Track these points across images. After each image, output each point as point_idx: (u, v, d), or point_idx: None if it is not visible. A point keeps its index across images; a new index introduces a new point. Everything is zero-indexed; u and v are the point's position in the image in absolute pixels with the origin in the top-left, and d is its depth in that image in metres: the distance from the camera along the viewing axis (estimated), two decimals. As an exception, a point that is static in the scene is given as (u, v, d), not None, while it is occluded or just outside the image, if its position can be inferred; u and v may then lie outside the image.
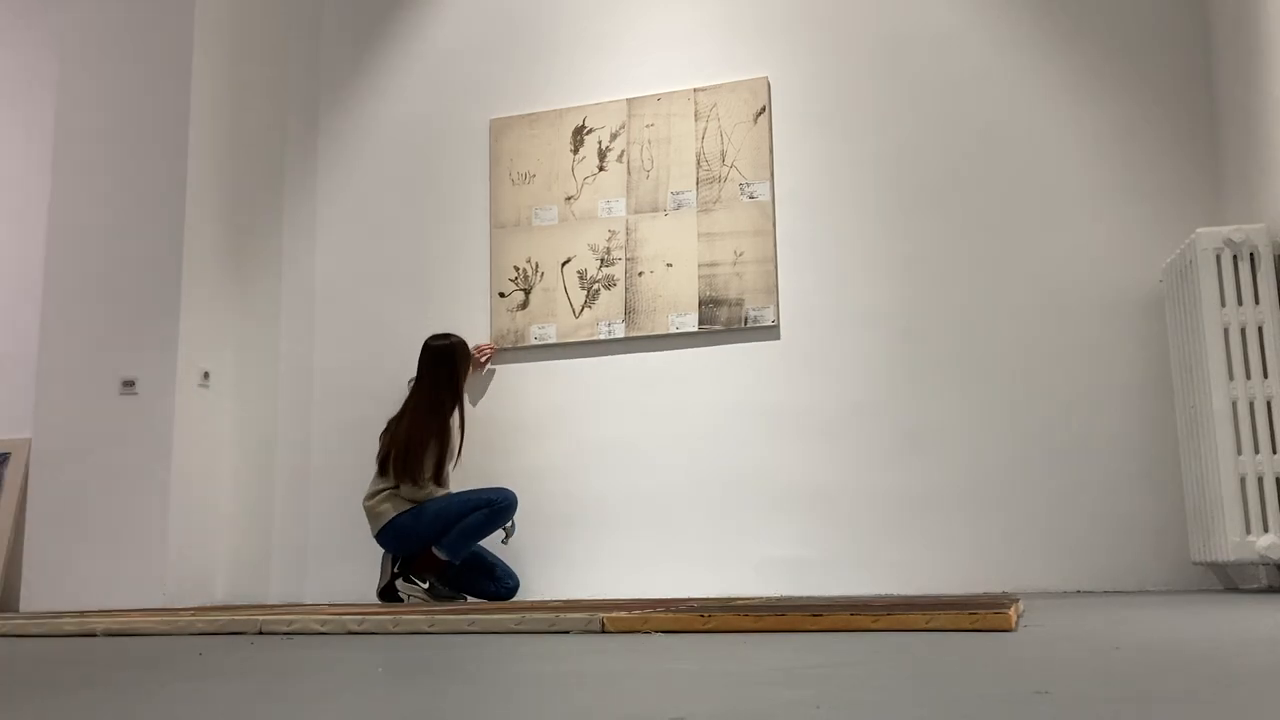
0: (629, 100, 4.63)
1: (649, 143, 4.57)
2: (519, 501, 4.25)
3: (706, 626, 1.97)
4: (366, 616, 2.35)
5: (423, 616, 2.31)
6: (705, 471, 4.30)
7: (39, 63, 5.24)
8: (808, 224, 4.35)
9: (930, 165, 4.27)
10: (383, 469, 4.18)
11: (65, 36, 4.73)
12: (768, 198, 4.37)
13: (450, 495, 4.18)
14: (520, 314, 4.60)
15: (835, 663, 1.23)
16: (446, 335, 4.39)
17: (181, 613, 3.14)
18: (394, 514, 4.12)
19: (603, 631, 2.04)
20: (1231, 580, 3.76)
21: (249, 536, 4.72)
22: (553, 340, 4.54)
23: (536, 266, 4.62)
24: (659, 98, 4.59)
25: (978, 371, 4.09)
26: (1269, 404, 3.34)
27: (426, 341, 4.37)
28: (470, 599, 4.21)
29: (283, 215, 5.04)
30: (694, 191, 4.46)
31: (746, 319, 4.32)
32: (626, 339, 4.47)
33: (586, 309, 4.53)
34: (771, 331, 4.31)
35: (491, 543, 4.42)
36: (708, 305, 4.37)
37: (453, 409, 4.29)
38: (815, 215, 4.36)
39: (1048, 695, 0.87)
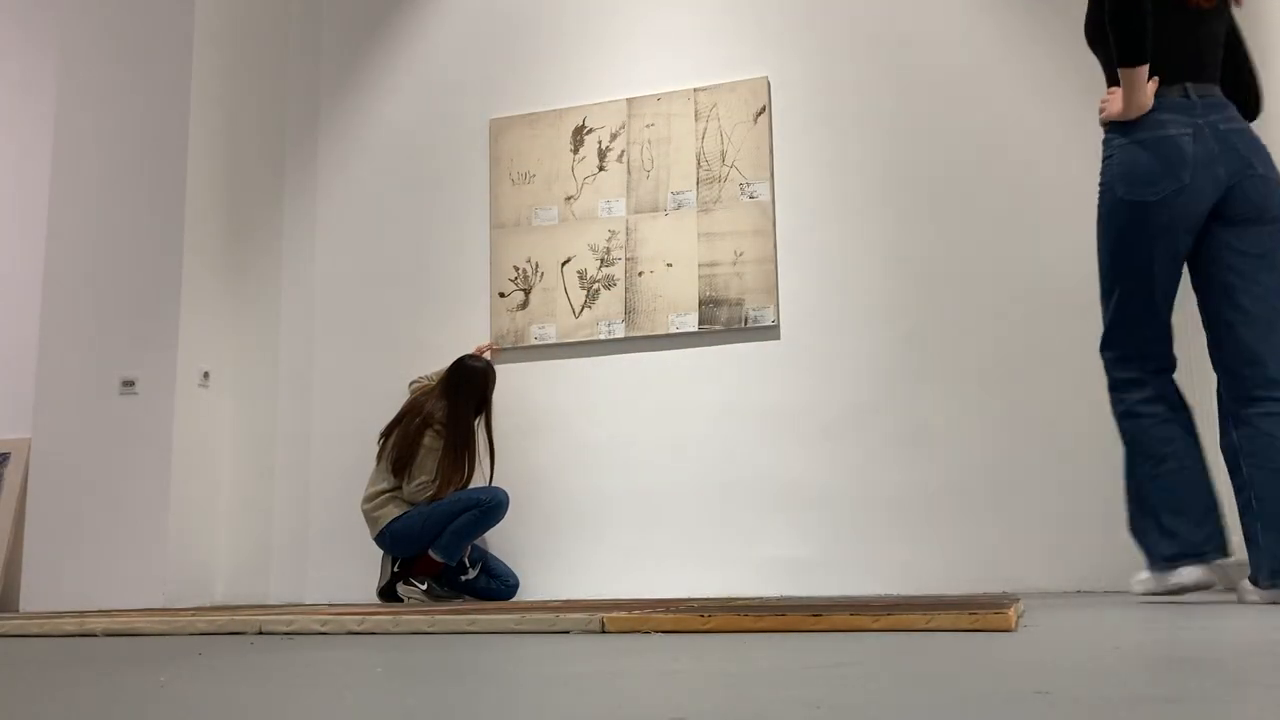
0: (629, 100, 4.63)
1: (649, 143, 4.57)
2: (509, 500, 4.24)
3: (706, 626, 1.97)
4: (366, 616, 2.35)
5: (423, 616, 2.31)
6: (705, 471, 4.30)
7: (39, 64, 5.24)
8: (808, 224, 4.35)
9: (930, 165, 4.27)
10: (395, 469, 4.18)
11: (65, 37, 4.73)
12: (768, 198, 4.37)
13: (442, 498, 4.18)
14: (520, 314, 4.60)
15: (835, 663, 1.23)
16: (477, 358, 4.39)
17: (181, 613, 3.14)
18: (391, 518, 4.13)
19: (603, 631, 2.04)
20: (1232, 580, 3.76)
21: (249, 536, 4.72)
22: (553, 340, 4.54)
23: (536, 266, 4.62)
24: (659, 98, 4.59)
25: (977, 371, 4.09)
26: (1269, 404, 3.33)
27: (462, 361, 4.35)
28: (470, 599, 4.21)
29: (283, 215, 5.04)
30: (694, 191, 4.46)
31: (746, 319, 4.32)
32: (626, 339, 4.47)
33: (586, 309, 4.52)
34: (771, 331, 4.31)
35: (492, 543, 4.43)
36: (708, 305, 4.37)
37: (471, 425, 4.29)
38: (815, 215, 4.36)
39: (1048, 695, 0.87)
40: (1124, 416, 2.51)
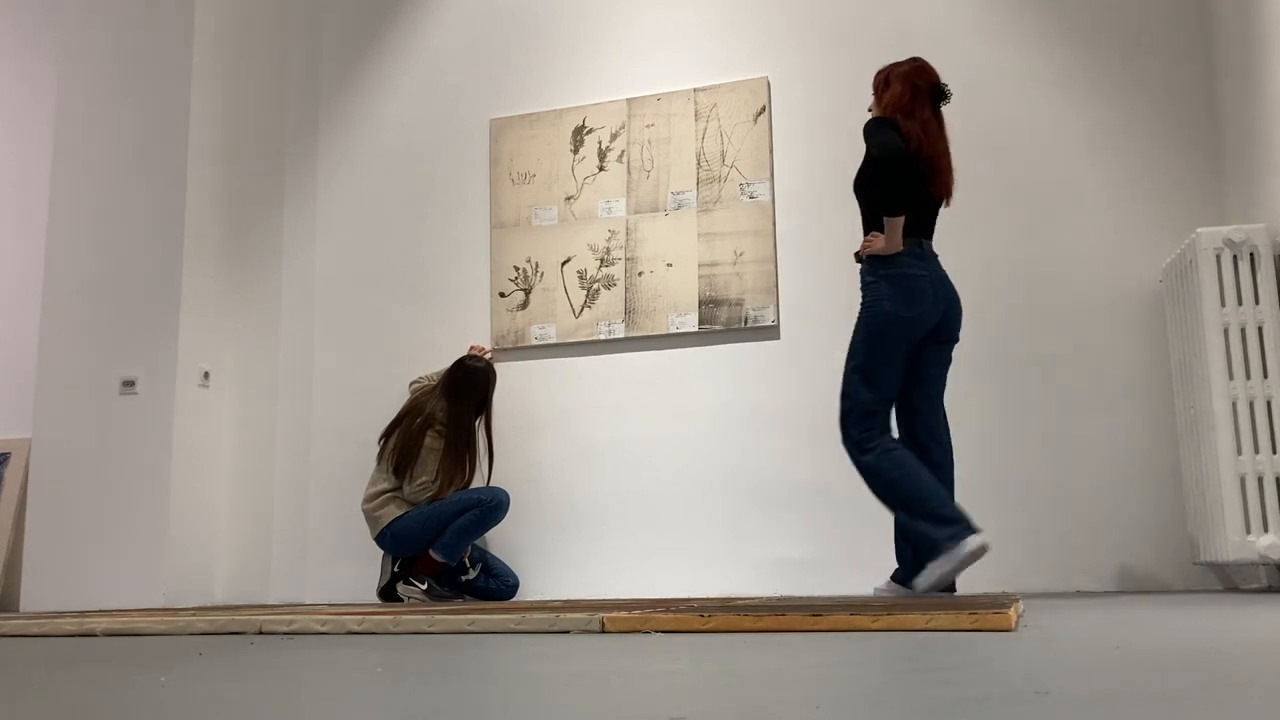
0: (629, 100, 4.63)
1: (649, 143, 4.57)
2: (510, 500, 4.25)
3: (706, 626, 1.97)
4: (366, 616, 2.35)
5: (423, 616, 2.31)
6: (705, 471, 4.30)
7: (39, 64, 5.24)
8: (808, 224, 4.35)
9: (930, 165, 4.27)
10: (396, 470, 4.18)
11: (65, 38, 4.73)
12: (768, 198, 4.37)
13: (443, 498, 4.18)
14: (520, 314, 4.60)
15: (835, 663, 1.23)
16: (477, 358, 4.39)
17: (181, 613, 3.14)
18: (391, 518, 4.13)
19: (603, 631, 2.04)
20: (1232, 580, 3.76)
21: (249, 536, 4.72)
22: (553, 340, 4.54)
23: (536, 266, 4.62)
24: (659, 98, 4.59)
25: (978, 371, 4.09)
26: (1269, 404, 3.34)
27: (462, 361, 4.34)
28: (470, 599, 4.21)
29: (283, 215, 5.04)
30: (694, 191, 4.46)
31: (746, 319, 4.32)
32: (626, 339, 4.47)
33: (586, 309, 4.52)
34: (771, 331, 4.31)
35: (492, 542, 4.43)
36: (708, 305, 4.37)
37: (472, 425, 4.30)
38: (815, 215, 4.36)
39: (1048, 695, 0.87)
40: (882, 456, 3.23)
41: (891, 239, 3.21)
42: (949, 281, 3.35)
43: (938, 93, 3.43)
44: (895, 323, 3.24)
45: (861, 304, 3.32)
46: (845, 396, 3.31)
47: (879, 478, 3.25)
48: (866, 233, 3.35)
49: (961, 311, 3.40)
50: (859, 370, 3.29)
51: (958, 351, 4.17)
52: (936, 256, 3.35)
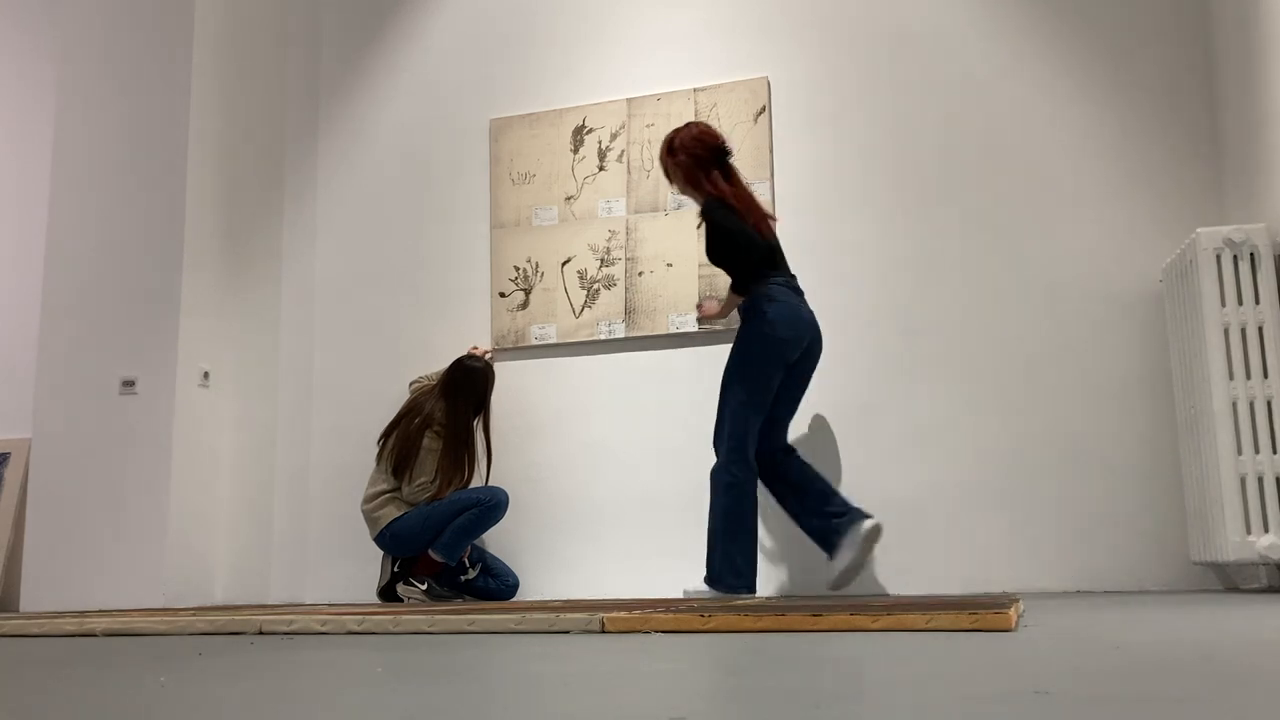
0: (629, 100, 4.63)
1: (649, 142, 4.57)
2: (509, 500, 4.25)
3: (706, 626, 1.97)
4: (366, 616, 2.35)
5: (423, 616, 2.31)
6: (705, 471, 4.29)
7: (39, 64, 5.24)
8: (808, 224, 4.35)
9: (930, 165, 4.27)
10: (395, 470, 4.18)
11: (65, 37, 4.73)
12: (768, 198, 4.37)
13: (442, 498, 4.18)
14: (520, 314, 4.60)
15: (835, 663, 1.23)
16: (475, 358, 4.37)
17: (181, 613, 3.14)
18: (391, 518, 4.13)
19: (603, 631, 2.04)
20: (1232, 580, 3.76)
21: (249, 536, 4.72)
22: (553, 340, 4.54)
23: (536, 266, 4.62)
24: (659, 98, 4.59)
25: (978, 371, 4.09)
26: (1269, 404, 3.34)
27: (461, 361, 4.33)
28: (470, 599, 4.21)
29: (283, 215, 5.04)
30: (694, 191, 4.46)
31: (746, 319, 4.31)
32: (626, 339, 4.47)
33: (586, 309, 4.52)
34: (771, 331, 4.30)
35: (492, 542, 4.43)
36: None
37: (470, 425, 4.30)
38: (815, 215, 4.36)
39: (1048, 695, 0.87)
40: (732, 486, 3.53)
41: (726, 308, 3.85)
42: (812, 315, 3.73)
43: (721, 153, 3.76)
44: (775, 344, 3.59)
45: (741, 329, 3.65)
46: (722, 411, 3.61)
47: (720, 501, 3.56)
48: (737, 287, 3.70)
49: (823, 342, 3.80)
50: (740, 386, 3.59)
51: (958, 350, 4.18)
52: (802, 291, 3.77)
